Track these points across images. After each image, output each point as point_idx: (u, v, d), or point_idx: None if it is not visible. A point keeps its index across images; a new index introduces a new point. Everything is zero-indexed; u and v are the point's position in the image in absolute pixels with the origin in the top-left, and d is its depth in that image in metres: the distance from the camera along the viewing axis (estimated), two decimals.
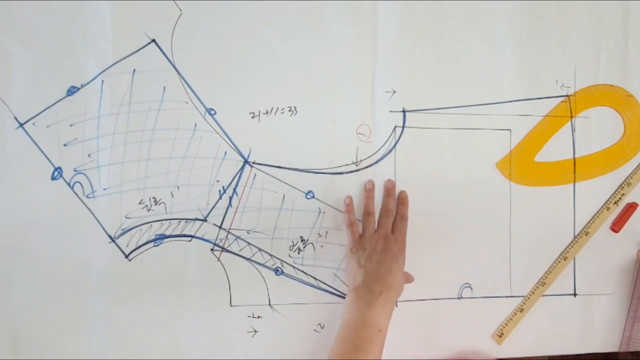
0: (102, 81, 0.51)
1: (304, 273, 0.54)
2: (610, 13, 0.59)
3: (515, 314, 0.57)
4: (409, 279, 0.54)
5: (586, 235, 0.58)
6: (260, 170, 0.53)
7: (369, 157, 0.55)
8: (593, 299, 0.59)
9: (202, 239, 0.53)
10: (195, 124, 0.52)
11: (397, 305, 0.55)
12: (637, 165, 0.59)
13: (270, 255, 0.54)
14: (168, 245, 0.52)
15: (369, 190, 0.54)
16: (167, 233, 0.52)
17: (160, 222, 0.52)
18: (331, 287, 0.55)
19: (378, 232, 0.53)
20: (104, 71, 0.51)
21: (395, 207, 0.55)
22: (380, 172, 0.55)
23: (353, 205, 0.54)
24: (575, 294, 0.59)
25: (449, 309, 0.56)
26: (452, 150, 0.56)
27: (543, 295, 0.58)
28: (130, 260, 0.52)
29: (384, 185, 0.55)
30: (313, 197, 0.54)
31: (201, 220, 0.53)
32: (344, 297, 0.55)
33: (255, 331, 0.54)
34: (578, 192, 0.58)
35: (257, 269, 0.54)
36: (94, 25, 0.51)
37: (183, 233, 0.52)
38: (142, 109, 0.51)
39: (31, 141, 0.50)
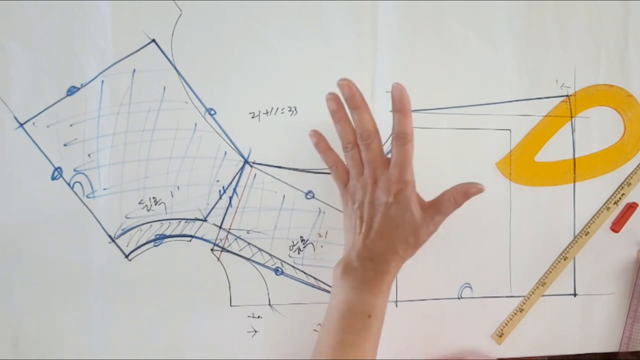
0: (102, 81, 0.51)
1: (304, 273, 0.54)
2: (610, 13, 0.59)
3: (515, 314, 0.57)
4: (447, 206, 0.40)
5: (586, 235, 0.58)
6: (260, 170, 0.53)
7: None
8: (593, 299, 0.59)
9: (202, 239, 0.53)
10: (195, 124, 0.52)
11: (397, 305, 0.55)
12: (637, 165, 0.59)
13: (270, 255, 0.54)
14: (168, 245, 0.52)
15: (334, 111, 0.39)
16: (167, 233, 0.52)
17: (160, 222, 0.52)
18: (331, 287, 0.55)
19: (365, 173, 0.41)
20: (104, 71, 0.51)
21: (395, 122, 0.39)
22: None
23: (326, 142, 0.42)
24: (575, 294, 0.59)
25: (449, 309, 0.56)
26: (452, 150, 0.56)
27: (543, 295, 0.58)
28: (130, 260, 0.52)
29: (343, 94, 0.40)
30: (313, 197, 0.54)
31: (201, 220, 0.53)
32: None
33: (255, 331, 0.54)
34: (578, 192, 0.58)
35: (257, 269, 0.54)
36: (94, 25, 0.51)
37: (183, 233, 0.52)
38: (142, 109, 0.51)
39: (31, 141, 0.50)
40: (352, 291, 0.39)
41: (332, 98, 0.40)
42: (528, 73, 0.57)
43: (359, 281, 0.39)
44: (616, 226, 0.59)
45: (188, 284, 0.52)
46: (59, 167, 0.51)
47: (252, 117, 0.53)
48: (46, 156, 0.50)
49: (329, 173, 0.54)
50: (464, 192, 0.41)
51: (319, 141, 0.43)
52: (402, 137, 0.39)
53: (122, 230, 0.52)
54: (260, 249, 0.54)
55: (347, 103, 0.40)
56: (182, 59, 0.52)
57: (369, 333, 0.38)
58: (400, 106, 0.39)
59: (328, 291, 0.55)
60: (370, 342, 0.39)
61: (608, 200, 0.59)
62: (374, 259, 0.39)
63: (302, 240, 0.54)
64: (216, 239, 0.53)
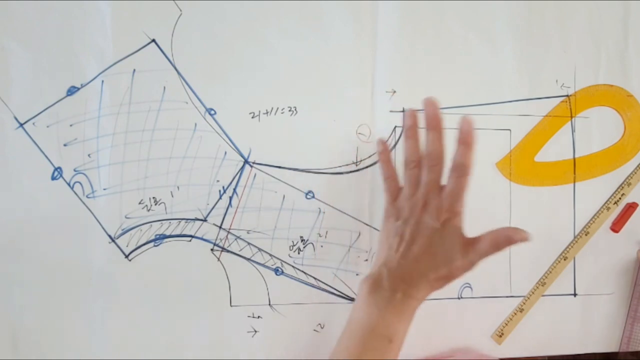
0: (102, 81, 0.51)
1: (304, 273, 0.54)
2: (610, 13, 0.59)
3: (515, 314, 0.57)
4: (485, 247, 0.39)
5: (586, 235, 0.58)
6: (260, 170, 0.53)
7: (369, 157, 0.55)
8: (593, 299, 0.59)
9: (202, 239, 0.53)
10: (195, 124, 0.52)
11: None
12: (637, 165, 0.59)
13: (270, 255, 0.54)
14: (168, 245, 0.52)
15: (409, 127, 0.40)
16: (167, 233, 0.52)
17: (160, 222, 0.52)
18: (331, 287, 0.55)
19: (419, 192, 0.40)
20: (104, 71, 0.51)
21: (457, 152, 0.40)
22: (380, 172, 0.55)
23: (389, 153, 0.42)
24: (575, 294, 0.59)
25: (449, 309, 0.56)
26: (452, 150, 0.56)
27: (543, 295, 0.58)
28: (130, 260, 0.52)
29: (424, 108, 0.41)
30: (313, 197, 0.54)
31: (201, 220, 0.53)
32: (344, 297, 0.55)
33: (255, 331, 0.54)
34: (578, 192, 0.58)
35: (257, 269, 0.54)
36: (94, 25, 0.51)
37: (183, 233, 0.52)
38: (142, 109, 0.51)
39: (31, 141, 0.50)
40: (377, 311, 0.38)
41: (411, 114, 0.41)
42: (528, 73, 0.57)
43: (385, 302, 0.38)
44: (616, 226, 0.59)
45: (188, 284, 0.52)
46: (59, 167, 0.51)
47: (252, 117, 0.53)
48: (46, 156, 0.50)
49: (328, 173, 0.54)
50: (507, 238, 0.40)
51: (384, 151, 0.43)
52: (461, 168, 0.39)
53: (122, 230, 0.52)
54: (260, 249, 0.54)
55: (427, 122, 0.40)
56: (182, 59, 0.52)
57: (388, 357, 0.38)
58: (466, 139, 0.39)
59: (328, 291, 0.55)
60: None
61: (608, 200, 0.59)
62: (405, 280, 0.38)
63: (302, 240, 0.54)
64: (216, 239, 0.53)
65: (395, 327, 0.38)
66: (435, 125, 0.40)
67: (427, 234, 0.39)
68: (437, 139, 0.40)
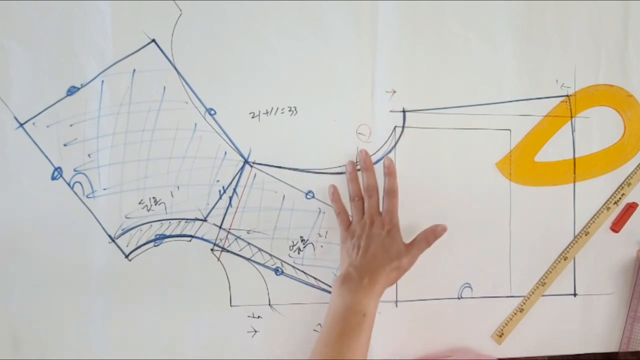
0: (102, 81, 0.51)
1: (304, 273, 0.54)
2: (610, 13, 0.59)
3: (515, 314, 0.57)
4: (420, 244, 0.51)
5: (586, 235, 0.58)
6: (260, 170, 0.53)
7: (369, 156, 0.55)
8: (593, 299, 0.59)
9: (202, 239, 0.53)
10: (195, 124, 0.52)
11: (396, 305, 0.56)
12: (637, 165, 0.59)
13: (270, 255, 0.54)
14: (168, 245, 0.52)
15: (350, 172, 0.53)
16: (167, 233, 0.52)
17: (160, 222, 0.52)
18: (331, 287, 0.55)
19: (365, 217, 0.52)
20: (104, 71, 0.51)
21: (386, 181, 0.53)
22: (380, 172, 0.55)
23: (339, 194, 0.53)
24: (575, 294, 0.59)
25: (449, 309, 0.56)
26: (452, 150, 0.56)
27: (543, 295, 0.58)
28: (130, 260, 0.52)
29: (359, 159, 0.54)
30: (313, 197, 0.54)
31: (201, 220, 0.53)
32: None
33: (255, 331, 0.54)
34: (578, 192, 0.58)
35: (257, 269, 0.54)
36: (94, 25, 0.51)
37: (183, 233, 0.52)
38: (142, 109, 0.51)
39: (31, 141, 0.50)
40: (350, 295, 0.47)
41: (351, 163, 0.54)
42: (528, 73, 0.57)
43: (356, 286, 0.47)
44: (616, 226, 0.59)
45: (188, 284, 0.52)
46: (59, 167, 0.51)
47: (252, 117, 0.53)
48: (46, 156, 0.50)
49: (328, 173, 0.54)
50: (433, 232, 0.52)
51: (334, 192, 0.54)
52: (391, 192, 0.53)
53: (122, 230, 0.52)
54: (260, 249, 0.54)
55: (361, 165, 0.54)
56: (182, 59, 0.52)
57: (364, 329, 0.46)
58: (389, 171, 0.53)
59: (328, 291, 0.55)
60: (365, 336, 0.46)
61: (608, 200, 0.59)
62: (369, 270, 0.48)
63: (302, 240, 0.54)
64: (216, 239, 0.53)
65: (366, 303, 0.46)
66: (367, 167, 0.53)
67: (378, 240, 0.50)
68: (370, 176, 0.53)
